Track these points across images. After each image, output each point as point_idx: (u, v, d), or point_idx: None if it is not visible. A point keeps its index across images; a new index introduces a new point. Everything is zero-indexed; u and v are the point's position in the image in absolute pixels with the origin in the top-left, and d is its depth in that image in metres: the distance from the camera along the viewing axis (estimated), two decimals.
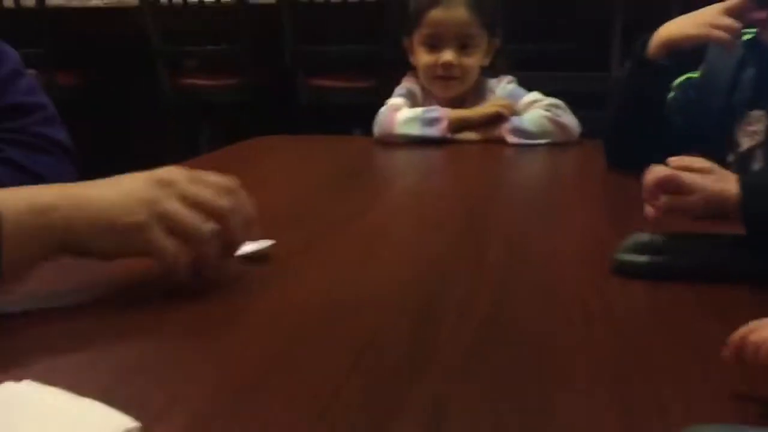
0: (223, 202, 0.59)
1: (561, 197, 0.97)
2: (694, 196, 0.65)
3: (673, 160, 0.70)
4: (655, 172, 0.67)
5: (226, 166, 1.24)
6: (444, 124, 1.30)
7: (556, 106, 1.32)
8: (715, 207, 0.66)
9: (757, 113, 0.98)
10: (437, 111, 1.33)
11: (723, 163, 1.00)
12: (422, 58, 1.38)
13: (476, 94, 1.41)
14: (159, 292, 0.59)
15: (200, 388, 0.45)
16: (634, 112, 1.08)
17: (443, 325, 0.55)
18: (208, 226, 0.57)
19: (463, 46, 1.36)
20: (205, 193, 0.59)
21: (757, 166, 0.96)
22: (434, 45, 1.36)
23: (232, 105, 3.01)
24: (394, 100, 1.40)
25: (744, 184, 0.66)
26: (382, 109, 1.38)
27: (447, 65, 1.35)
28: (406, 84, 1.45)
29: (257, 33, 2.78)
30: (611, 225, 0.80)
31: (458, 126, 1.33)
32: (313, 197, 0.99)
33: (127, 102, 3.38)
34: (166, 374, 0.48)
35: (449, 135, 1.31)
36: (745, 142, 0.99)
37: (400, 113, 1.35)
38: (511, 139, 1.30)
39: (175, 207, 0.56)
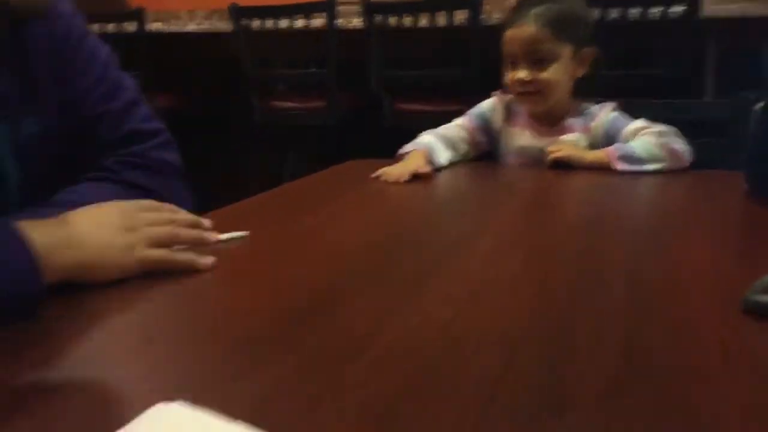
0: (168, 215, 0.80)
1: (679, 230, 0.94)
2: None
3: None
4: None
5: (321, 191, 1.28)
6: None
7: (668, 133, 1.29)
8: None
9: None
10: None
11: None
12: (506, 76, 1.43)
13: (581, 115, 1.41)
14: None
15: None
16: None
17: (579, 357, 0.54)
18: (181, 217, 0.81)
19: (537, 61, 1.38)
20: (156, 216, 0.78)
21: None
22: (513, 62, 1.41)
23: (320, 128, 3.07)
24: (455, 121, 1.49)
25: None
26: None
27: (521, 82, 1.39)
28: (488, 102, 1.51)
29: (345, 57, 2.83)
30: (738, 262, 0.77)
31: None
32: (415, 225, 0.99)
33: (220, 123, 3.50)
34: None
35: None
36: None
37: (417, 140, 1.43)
38: (620, 165, 1.28)
39: (149, 233, 0.74)
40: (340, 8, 2.82)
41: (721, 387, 0.50)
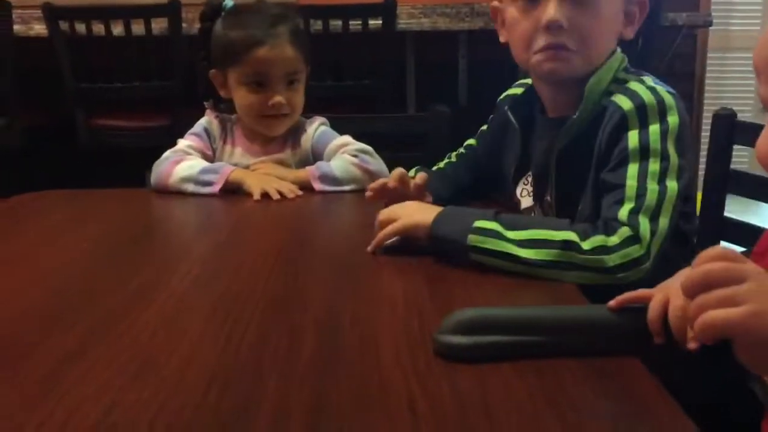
0: None
1: (374, 261, 0.89)
2: None
3: None
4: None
5: None
6: (218, 186, 1.23)
7: (365, 152, 1.29)
8: None
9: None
10: (215, 174, 1.25)
11: None
12: (246, 97, 1.29)
13: (292, 131, 1.35)
14: None
15: None
16: None
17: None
18: None
19: (290, 83, 1.30)
20: None
21: None
22: (261, 84, 1.28)
23: (2, 149, 2.67)
24: (182, 144, 1.31)
25: None
26: (165, 155, 1.29)
27: (279, 105, 1.28)
28: (205, 120, 1.36)
29: (28, 70, 2.50)
30: (432, 293, 0.74)
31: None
32: (88, 276, 0.84)
33: None
34: None
35: (219, 193, 1.23)
36: (524, 201, 1.02)
37: (179, 167, 1.26)
38: (319, 186, 1.25)
39: None
40: (18, 12, 2.48)
41: None
